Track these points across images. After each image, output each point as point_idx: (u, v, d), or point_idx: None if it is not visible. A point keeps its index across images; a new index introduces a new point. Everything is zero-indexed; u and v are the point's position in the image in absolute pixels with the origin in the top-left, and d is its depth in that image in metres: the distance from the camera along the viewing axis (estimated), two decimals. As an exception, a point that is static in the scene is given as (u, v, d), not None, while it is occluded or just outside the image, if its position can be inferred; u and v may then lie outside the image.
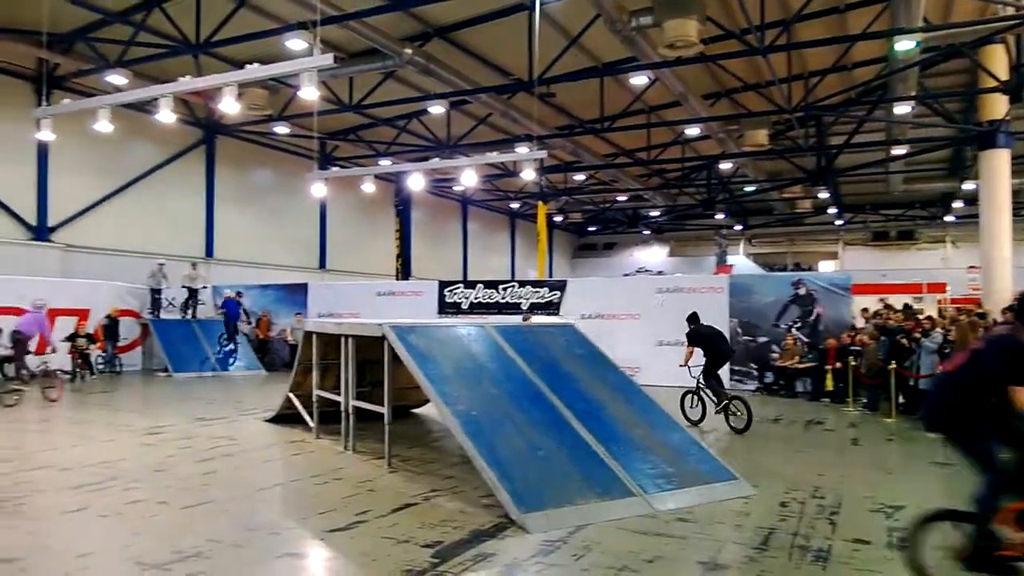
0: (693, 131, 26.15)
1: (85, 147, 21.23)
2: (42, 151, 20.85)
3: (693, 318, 11.86)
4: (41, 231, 21.22)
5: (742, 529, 6.11)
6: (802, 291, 16.49)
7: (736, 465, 7.71)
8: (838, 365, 14.33)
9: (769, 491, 7.25)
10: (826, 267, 41.16)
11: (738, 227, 42.20)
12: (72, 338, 18.14)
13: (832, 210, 37.32)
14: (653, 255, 47.37)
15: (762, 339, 16.62)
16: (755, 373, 16.54)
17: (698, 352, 11.42)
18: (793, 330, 16.26)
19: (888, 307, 16.68)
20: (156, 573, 4.93)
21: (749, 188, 34.97)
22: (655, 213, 42.29)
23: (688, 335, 11.64)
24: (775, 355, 16.28)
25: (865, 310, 17.13)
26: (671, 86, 20.10)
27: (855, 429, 11.74)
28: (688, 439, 7.84)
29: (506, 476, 6.32)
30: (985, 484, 4.43)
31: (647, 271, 41.47)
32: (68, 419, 12.16)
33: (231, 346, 20.70)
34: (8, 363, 17.57)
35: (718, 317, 16.75)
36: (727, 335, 13.78)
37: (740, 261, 40.44)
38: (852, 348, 14.21)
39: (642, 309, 17.73)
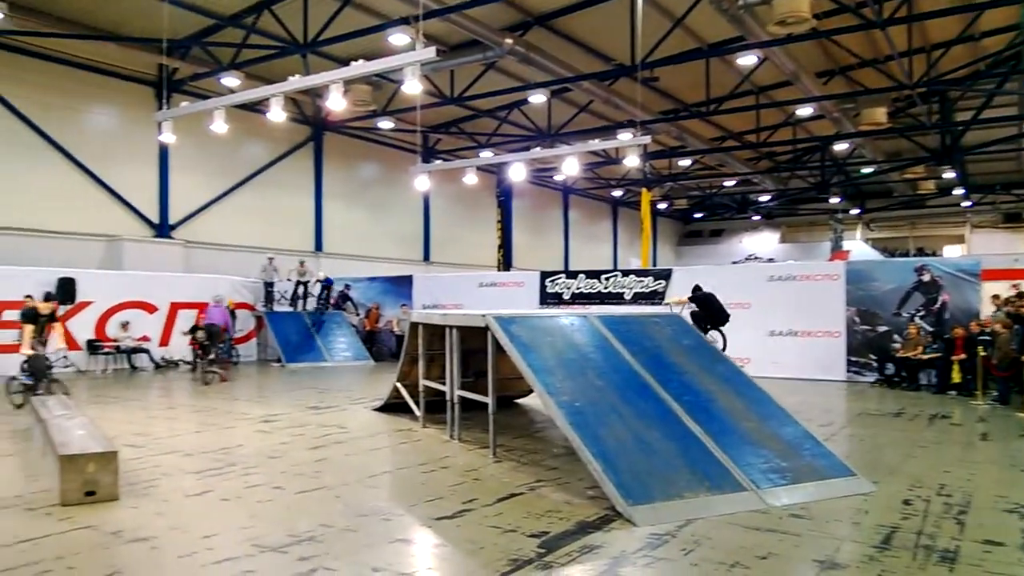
0: (805, 111, 25.15)
1: (201, 148, 22.31)
2: (163, 153, 22.07)
3: (696, 288, 14.10)
4: (163, 228, 22.46)
5: (861, 527, 5.82)
6: (926, 277, 15.59)
7: (854, 460, 7.37)
8: (964, 356, 13.50)
9: (890, 488, 6.88)
10: (952, 252, 38.82)
11: (855, 211, 40.44)
12: (193, 330, 19.07)
13: (958, 191, 35.26)
14: (763, 242, 46.01)
15: (882, 328, 15.83)
16: (874, 364, 15.78)
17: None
18: (916, 319, 15.41)
19: (1021, 294, 15.60)
20: (273, 555, 5.10)
21: (866, 170, 33.44)
22: (765, 198, 41.03)
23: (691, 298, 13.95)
24: (896, 345, 15.47)
25: (996, 297, 16.04)
26: (781, 65, 19.38)
27: (984, 424, 11.01)
28: (802, 432, 7.52)
29: (612, 468, 6.23)
30: None
31: (757, 258, 40.27)
32: (191, 407, 12.80)
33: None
34: (137, 353, 18.78)
35: (834, 306, 16.16)
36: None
37: (857, 247, 38.60)
38: (981, 338, 13.33)
39: (752, 298, 17.20)
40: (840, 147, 30.58)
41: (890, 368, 15.44)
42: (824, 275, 16.78)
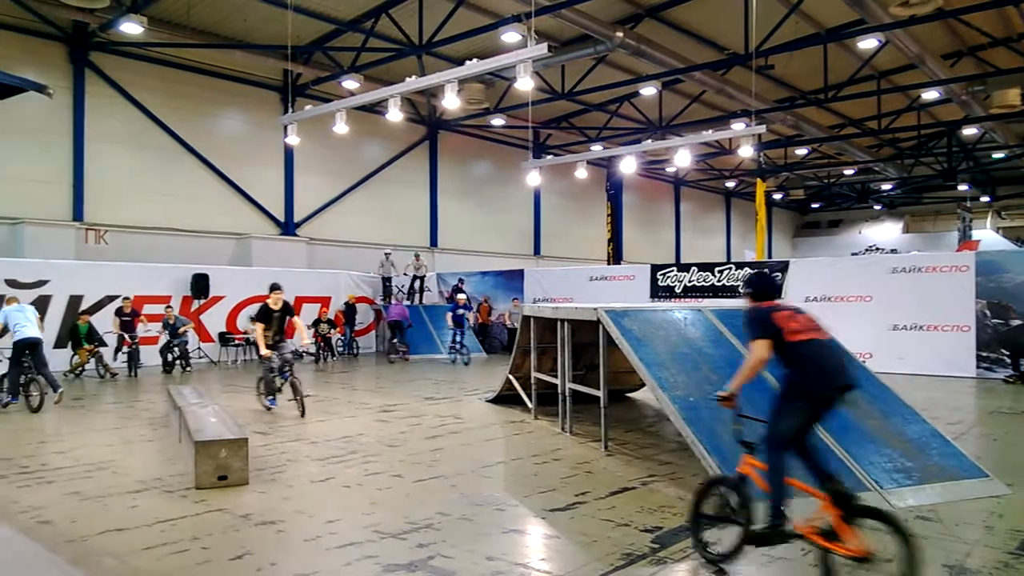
0: (931, 95, 23.82)
1: (323, 148, 23.25)
2: (288, 154, 23.11)
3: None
4: (288, 226, 23.52)
5: (993, 531, 5.51)
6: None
7: (986, 461, 6.97)
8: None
9: (1027, 491, 6.48)
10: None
11: (985, 199, 38.02)
12: (316, 323, 19.89)
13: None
14: (885, 232, 43.90)
15: (1015, 322, 14.84)
16: (1007, 360, 14.83)
17: None
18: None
19: None
20: (392, 541, 5.28)
21: (998, 155, 31.39)
22: (887, 186, 39.15)
23: None
24: (1033, 340, 14.49)
25: None
26: (904, 48, 18.42)
27: None
28: (929, 431, 7.15)
29: (728, 464, 6.11)
30: None
31: (879, 249, 38.43)
32: (314, 397, 13.33)
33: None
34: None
35: (962, 298, 15.30)
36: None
37: (987, 236, 36.23)
38: None
39: (874, 291, 16.49)
40: (969, 132, 28.86)
41: (1025, 364, 14.50)
42: (952, 266, 15.88)
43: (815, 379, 4.49)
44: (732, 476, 4.82)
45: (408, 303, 22.72)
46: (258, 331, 10.76)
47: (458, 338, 18.91)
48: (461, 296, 19.26)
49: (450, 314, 19.07)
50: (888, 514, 4.31)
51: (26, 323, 11.35)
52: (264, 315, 10.92)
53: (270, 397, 10.90)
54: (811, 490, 4.41)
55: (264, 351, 10.65)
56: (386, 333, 22.37)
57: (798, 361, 4.53)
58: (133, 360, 16.03)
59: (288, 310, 11.09)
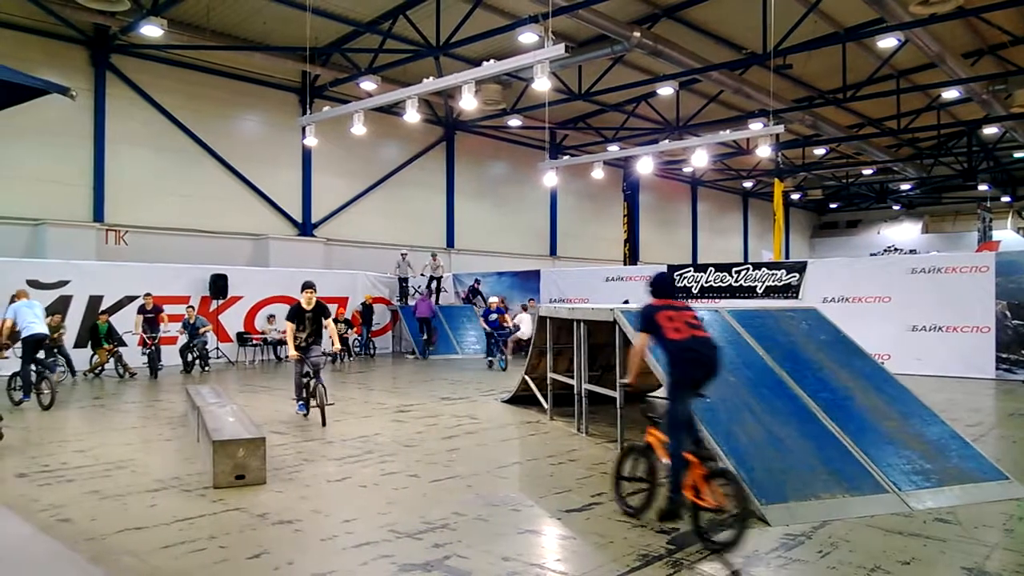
0: (951, 94, 23.60)
1: (341, 150, 23.36)
2: (306, 155, 23.27)
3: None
4: (306, 227, 23.66)
5: (1014, 534, 5.46)
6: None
7: (1006, 463, 6.91)
8: None
9: (1048, 494, 6.41)
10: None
11: (1005, 198, 37.63)
12: (333, 323, 19.94)
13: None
14: (904, 232, 43.53)
15: (1037, 324, 14.71)
16: (1029, 362, 14.69)
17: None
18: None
19: None
20: (408, 541, 5.31)
21: (1019, 154, 31.00)
22: (906, 186, 38.84)
23: None
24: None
25: None
26: (924, 47, 18.25)
27: None
28: (948, 433, 7.09)
29: (744, 466, 6.10)
30: None
31: (898, 250, 38.11)
32: (331, 397, 13.40)
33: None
34: (282, 345, 19.84)
35: (982, 299, 15.17)
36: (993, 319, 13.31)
37: (1008, 236, 35.77)
38: None
39: (893, 291, 16.36)
40: (989, 131, 28.57)
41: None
42: (972, 267, 15.73)
43: (683, 372, 5.33)
44: (641, 445, 5.74)
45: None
46: (288, 331, 10.11)
47: (493, 341, 18.52)
48: (494, 299, 19.04)
49: (483, 319, 18.75)
50: (732, 475, 5.24)
51: (34, 319, 11.28)
52: (296, 315, 10.21)
53: (300, 403, 10.29)
54: (688, 454, 5.19)
55: (291, 352, 10.04)
56: (403, 333, 22.46)
57: (671, 355, 5.38)
58: (153, 362, 15.67)
59: (323, 311, 10.37)
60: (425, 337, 20.78)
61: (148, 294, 16.20)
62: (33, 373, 11.39)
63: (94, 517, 5.90)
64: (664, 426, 5.45)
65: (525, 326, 17.86)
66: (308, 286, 10.32)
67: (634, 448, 5.92)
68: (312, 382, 10.02)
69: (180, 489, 6.71)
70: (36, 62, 17.69)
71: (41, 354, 11.87)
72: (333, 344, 10.81)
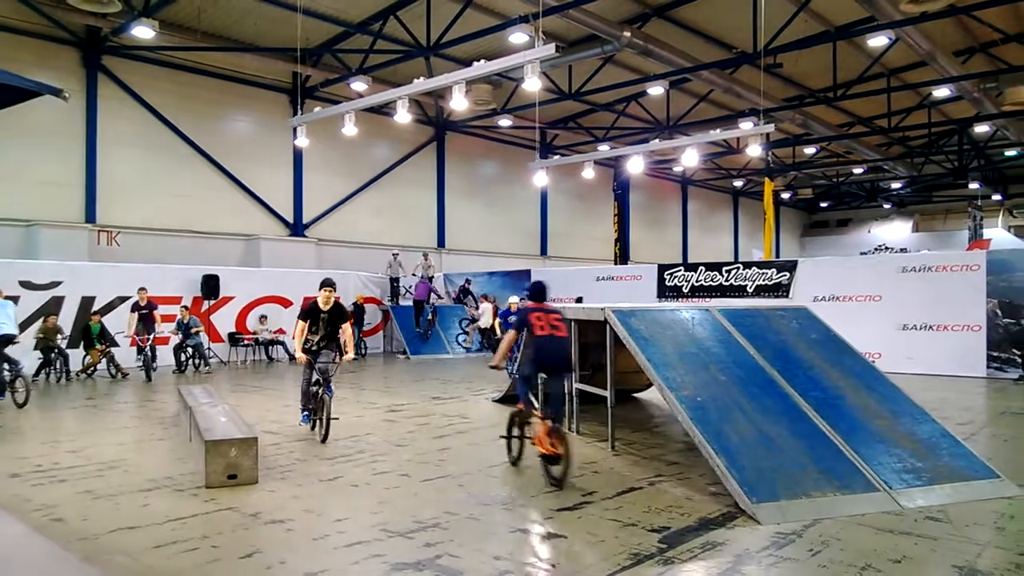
0: (942, 92, 23.72)
1: (332, 150, 23.33)
2: (297, 156, 23.23)
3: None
4: (297, 227, 23.63)
5: (1005, 533, 5.51)
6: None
7: (997, 462, 6.95)
8: None
9: (1038, 492, 6.46)
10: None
11: (996, 197, 37.79)
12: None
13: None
14: (894, 231, 43.72)
15: (1028, 322, 14.81)
16: (1018, 360, 14.78)
17: None
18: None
19: None
20: (400, 540, 5.32)
21: (1010, 152, 31.21)
22: (896, 185, 39.00)
23: None
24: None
25: None
26: (915, 45, 18.34)
27: None
28: (939, 431, 7.14)
29: (735, 464, 6.13)
30: None
31: (888, 248, 38.29)
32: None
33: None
34: (273, 345, 19.82)
35: (973, 297, 15.26)
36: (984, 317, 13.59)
37: (999, 235, 36.01)
38: None
39: (884, 290, 16.45)
40: (980, 129, 28.68)
41: (1037, 364, 14.44)
42: (962, 265, 15.82)
43: (536, 357, 7.13)
44: (516, 410, 7.54)
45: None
46: (298, 332, 9.16)
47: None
48: (513, 300, 18.73)
49: (499, 320, 17.58)
50: (563, 431, 7.00)
51: (5, 319, 11.41)
52: (310, 314, 9.18)
53: (305, 413, 9.26)
54: (538, 413, 7.14)
55: (299, 355, 9.13)
56: (395, 333, 22.44)
57: (533, 345, 7.15)
58: (148, 364, 15.08)
59: (341, 313, 9.35)
60: (423, 317, 21.22)
61: (143, 288, 15.77)
62: (6, 372, 11.45)
63: (87, 517, 5.89)
64: (518, 379, 8.25)
65: (486, 316, 19.75)
66: (327, 284, 9.27)
67: (516, 412, 7.53)
68: (320, 391, 8.99)
69: (173, 489, 6.71)
70: (28, 63, 17.60)
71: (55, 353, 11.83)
72: (347, 352, 9.41)
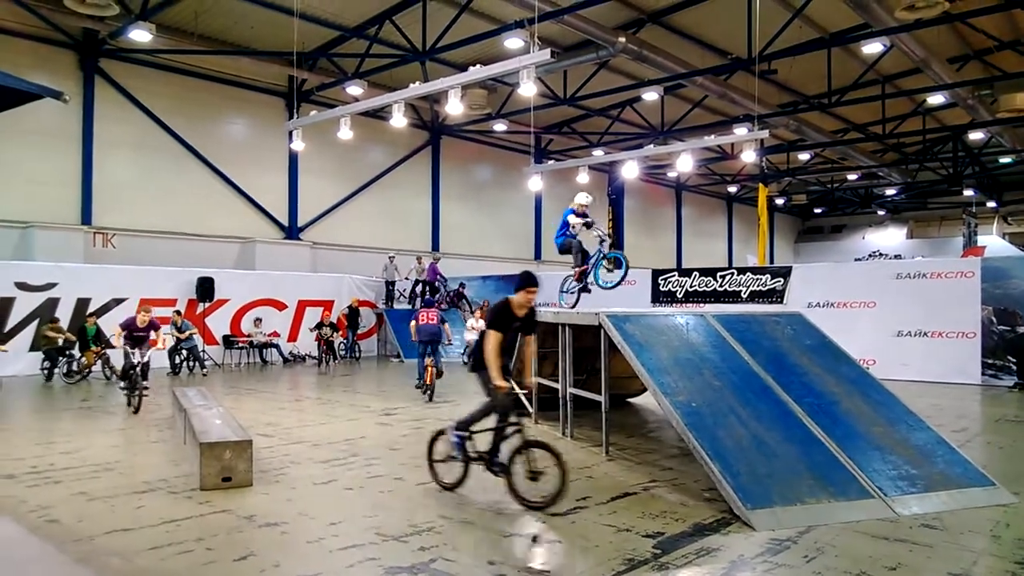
0: (936, 99, 23.82)
1: (327, 154, 23.33)
2: (292, 159, 23.22)
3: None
4: (292, 231, 23.61)
5: (1000, 540, 5.52)
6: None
7: (992, 469, 6.97)
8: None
9: (1033, 500, 6.48)
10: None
11: (991, 204, 37.94)
12: (319, 327, 19.95)
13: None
14: (888, 237, 43.83)
15: (1022, 329, 14.86)
16: (1013, 367, 14.84)
17: None
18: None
19: None
20: (394, 544, 5.33)
21: (1005, 159, 31.36)
22: (891, 191, 39.11)
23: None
24: (1038, 347, 14.48)
25: None
26: (910, 52, 18.42)
27: None
28: (934, 438, 7.16)
29: (730, 470, 6.15)
30: None
31: (883, 255, 38.39)
32: (317, 399, 13.42)
33: None
34: (267, 348, 19.79)
35: (968, 304, 15.30)
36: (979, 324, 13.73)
37: (993, 242, 36.05)
38: None
39: (878, 297, 16.50)
40: (975, 136, 28.82)
41: (1031, 371, 14.49)
42: (957, 272, 15.87)
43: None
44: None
45: (410, 307, 22.78)
46: (492, 346, 6.36)
47: None
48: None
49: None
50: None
51: None
52: (503, 319, 6.56)
53: (496, 466, 6.41)
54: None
55: (499, 380, 6.29)
56: (389, 336, 22.42)
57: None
58: (134, 386, 11.39)
59: (534, 320, 6.95)
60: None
61: (148, 310, 12.13)
62: None
63: (81, 518, 5.88)
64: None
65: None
66: (529, 281, 6.63)
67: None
68: (513, 434, 6.37)
69: (167, 491, 6.70)
70: (25, 66, 17.59)
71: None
72: (525, 380, 7.22)
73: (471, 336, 19.74)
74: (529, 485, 6.13)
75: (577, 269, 10.67)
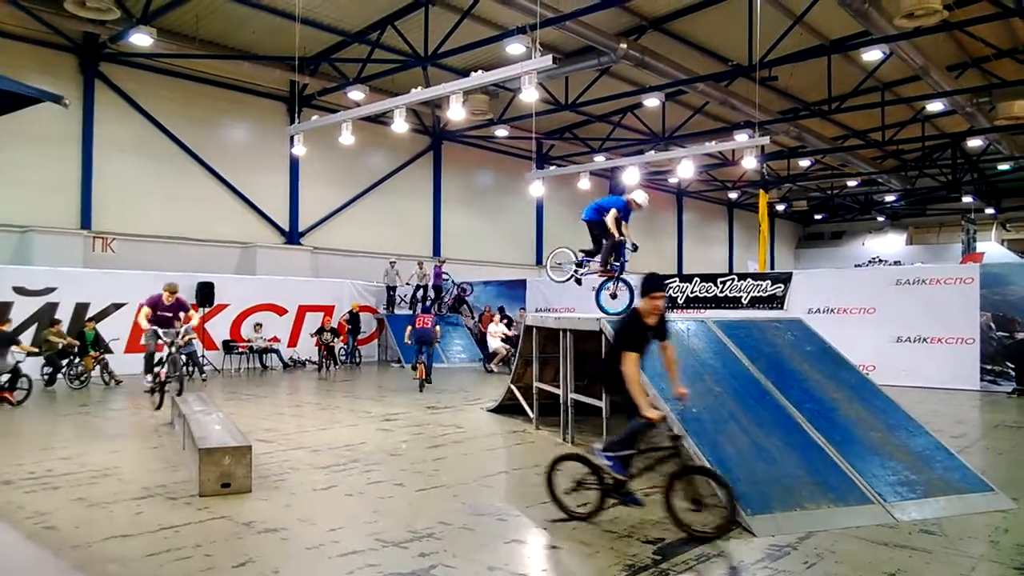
0: (935, 107, 23.86)
1: (328, 158, 23.34)
2: (293, 164, 23.24)
3: None
4: (293, 235, 23.61)
5: (999, 546, 5.51)
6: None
7: (991, 475, 6.96)
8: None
9: (1033, 506, 6.47)
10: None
11: (989, 210, 37.94)
12: (319, 332, 19.93)
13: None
14: (888, 244, 43.83)
15: (1021, 335, 14.85)
16: (1012, 373, 14.83)
17: None
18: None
19: None
20: (395, 550, 5.31)
21: (1003, 166, 31.39)
22: (890, 198, 39.18)
23: None
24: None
25: None
26: (909, 59, 18.46)
27: None
28: (933, 444, 7.16)
29: (730, 475, 6.13)
30: None
31: (882, 261, 38.41)
32: (317, 405, 13.39)
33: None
34: (267, 353, 19.79)
35: (967, 311, 15.31)
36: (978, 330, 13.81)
37: (992, 248, 36.06)
38: None
39: (878, 303, 16.50)
40: (974, 143, 28.85)
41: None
42: (956, 279, 15.89)
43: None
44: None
45: (411, 312, 22.76)
46: (631, 369, 5.77)
47: None
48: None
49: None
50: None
51: None
52: (635, 335, 5.97)
53: (628, 494, 5.98)
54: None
55: (649, 412, 5.69)
56: (389, 341, 22.41)
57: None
58: (176, 371, 10.88)
59: (664, 326, 6.16)
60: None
61: (174, 290, 11.21)
62: None
63: (79, 524, 5.87)
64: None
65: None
66: (657, 286, 6.13)
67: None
68: (669, 458, 5.81)
69: (166, 497, 6.68)
70: (25, 69, 17.59)
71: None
72: (676, 390, 6.16)
73: (495, 343, 19.70)
74: (692, 517, 5.61)
75: (601, 267, 9.83)
